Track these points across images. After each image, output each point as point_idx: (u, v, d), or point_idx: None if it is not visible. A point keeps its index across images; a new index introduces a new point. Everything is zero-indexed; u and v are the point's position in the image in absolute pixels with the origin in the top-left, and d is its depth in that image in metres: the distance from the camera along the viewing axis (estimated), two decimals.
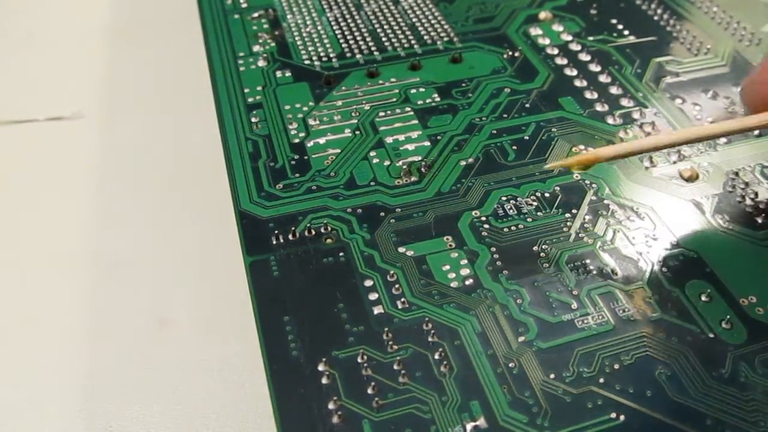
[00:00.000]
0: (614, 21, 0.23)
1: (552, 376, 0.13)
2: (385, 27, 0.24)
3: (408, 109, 0.20)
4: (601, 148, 0.15)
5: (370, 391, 0.13)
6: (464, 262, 0.16)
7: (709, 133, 0.16)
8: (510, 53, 0.22)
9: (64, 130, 0.26)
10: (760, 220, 0.16)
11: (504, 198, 0.17)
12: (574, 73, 0.21)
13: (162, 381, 0.18)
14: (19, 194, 0.23)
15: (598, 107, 0.20)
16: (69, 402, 0.17)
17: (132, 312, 0.19)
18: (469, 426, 0.13)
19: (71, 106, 0.26)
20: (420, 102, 0.20)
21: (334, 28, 0.24)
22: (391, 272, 0.15)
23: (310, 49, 0.22)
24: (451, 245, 0.16)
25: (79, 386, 0.18)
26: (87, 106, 0.27)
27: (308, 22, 0.24)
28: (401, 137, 0.19)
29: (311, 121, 0.19)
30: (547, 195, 0.17)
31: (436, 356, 0.14)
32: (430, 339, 0.14)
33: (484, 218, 0.17)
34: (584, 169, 0.15)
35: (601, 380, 0.13)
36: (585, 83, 0.21)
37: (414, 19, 0.24)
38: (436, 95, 0.20)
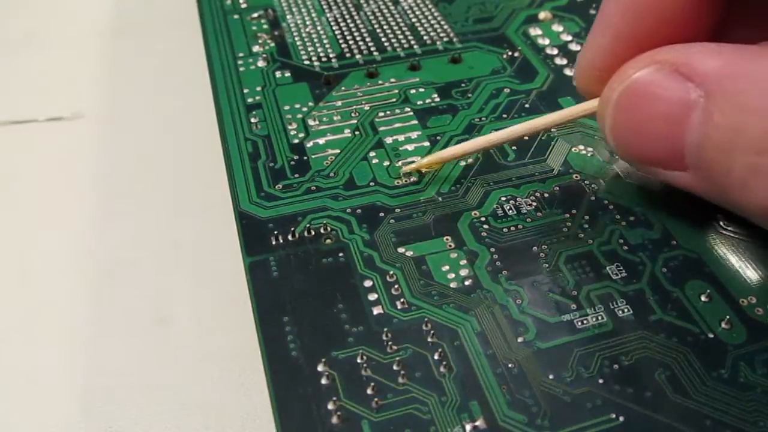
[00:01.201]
0: None
1: (551, 376, 0.13)
2: (385, 27, 0.24)
3: (407, 109, 0.20)
4: (442, 151, 0.17)
5: (369, 391, 0.13)
6: (464, 262, 0.16)
7: (540, 126, 0.17)
8: (509, 53, 0.22)
9: (64, 130, 0.26)
10: None
11: (503, 198, 0.17)
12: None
13: (162, 381, 0.18)
14: (19, 194, 0.23)
15: None
16: (69, 402, 0.17)
17: (132, 312, 0.19)
18: (469, 426, 0.13)
19: (71, 106, 0.26)
20: (419, 102, 0.20)
21: (334, 28, 0.24)
22: (391, 272, 0.15)
23: (309, 49, 0.22)
24: (450, 246, 0.16)
25: (79, 386, 0.18)
26: (87, 106, 0.27)
27: (308, 23, 0.24)
28: (401, 137, 0.19)
29: (311, 122, 0.19)
30: (546, 195, 0.17)
31: (436, 357, 0.14)
32: (429, 339, 0.14)
33: (483, 218, 0.17)
34: (434, 168, 0.17)
35: (601, 381, 0.13)
36: None
37: (413, 20, 0.24)
38: (435, 95, 0.20)
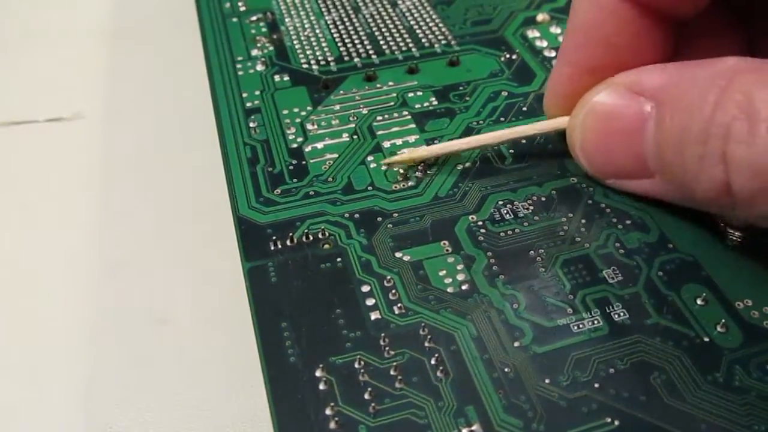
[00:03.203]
0: None
1: (547, 380, 0.14)
2: (383, 30, 0.24)
3: (405, 112, 0.20)
4: (416, 150, 0.18)
5: (366, 396, 0.13)
6: (461, 267, 0.16)
7: (506, 137, 0.18)
8: (507, 56, 0.22)
9: (64, 130, 0.26)
10: None
11: (501, 202, 0.17)
12: None
13: (162, 383, 0.18)
14: (19, 195, 0.23)
15: None
16: (69, 402, 0.18)
17: (132, 312, 0.19)
18: (465, 431, 0.13)
19: (71, 106, 0.27)
20: (417, 106, 0.20)
21: (332, 31, 0.24)
22: (388, 277, 0.15)
23: (308, 52, 0.23)
24: (447, 250, 0.16)
25: (79, 386, 0.18)
26: (87, 107, 0.27)
27: (306, 26, 0.24)
28: (398, 141, 0.19)
29: (309, 126, 0.19)
30: (543, 199, 0.17)
31: (433, 361, 0.14)
32: (426, 344, 0.14)
33: (480, 223, 0.17)
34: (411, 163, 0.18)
35: (597, 385, 0.13)
36: None
37: (412, 22, 0.24)
38: (433, 99, 0.20)
